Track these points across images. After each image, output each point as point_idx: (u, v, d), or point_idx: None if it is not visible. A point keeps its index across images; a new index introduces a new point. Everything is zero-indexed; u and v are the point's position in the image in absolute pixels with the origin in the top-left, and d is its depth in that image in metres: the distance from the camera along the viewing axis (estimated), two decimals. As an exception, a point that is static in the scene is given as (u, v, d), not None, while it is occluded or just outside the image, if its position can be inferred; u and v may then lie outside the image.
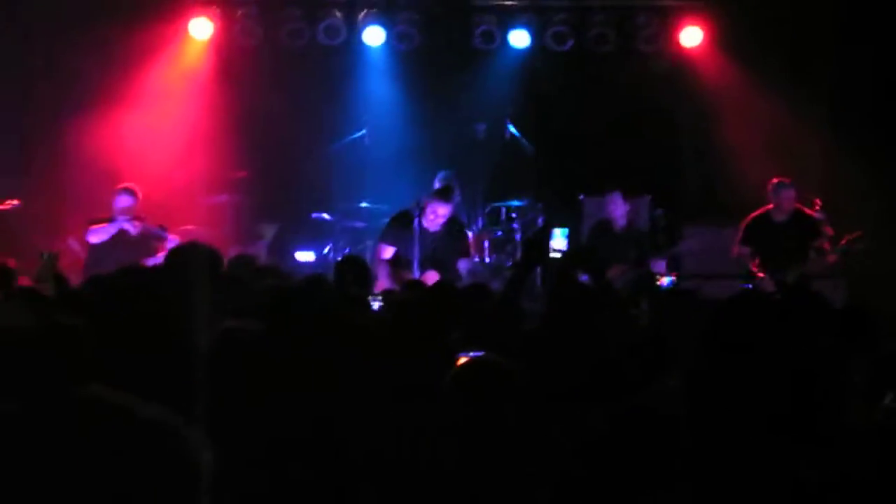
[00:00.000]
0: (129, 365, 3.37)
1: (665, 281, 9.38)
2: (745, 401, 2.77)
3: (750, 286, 8.96)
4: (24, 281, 6.58)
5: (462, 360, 3.19)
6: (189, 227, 10.46)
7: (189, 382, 3.01)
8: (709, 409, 2.72)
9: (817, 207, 9.49)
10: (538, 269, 9.23)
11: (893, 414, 2.87)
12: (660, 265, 9.68)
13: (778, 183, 9.43)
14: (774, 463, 2.53)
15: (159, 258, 9.23)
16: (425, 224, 9.06)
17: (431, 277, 8.68)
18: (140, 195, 9.58)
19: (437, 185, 10.20)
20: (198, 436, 1.69)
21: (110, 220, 9.44)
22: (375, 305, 6.31)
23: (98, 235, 9.38)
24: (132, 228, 9.39)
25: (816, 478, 2.52)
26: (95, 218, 9.50)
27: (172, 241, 9.34)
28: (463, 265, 9.23)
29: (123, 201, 9.47)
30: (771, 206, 9.45)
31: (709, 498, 2.60)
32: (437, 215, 9.05)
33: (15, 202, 9.99)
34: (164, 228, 9.51)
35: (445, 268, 8.95)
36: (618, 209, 9.86)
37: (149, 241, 9.43)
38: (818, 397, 2.92)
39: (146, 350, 3.57)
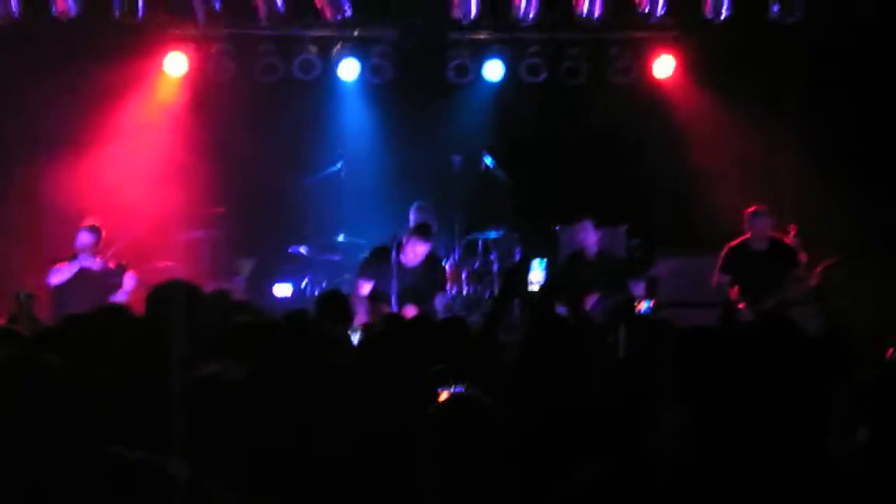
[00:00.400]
0: (109, 402, 3.36)
1: (643, 306, 9.40)
2: (721, 435, 2.78)
3: (728, 315, 9.01)
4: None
5: (443, 395, 3.19)
6: (166, 263, 10.43)
7: (166, 422, 3.01)
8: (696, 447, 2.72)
9: (792, 234, 9.57)
10: (516, 301, 9.26)
11: (865, 450, 2.89)
12: (638, 287, 9.67)
13: (754, 212, 9.50)
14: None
15: (121, 295, 9.20)
16: (403, 259, 9.09)
17: (410, 311, 8.70)
18: (102, 232, 9.48)
19: (412, 214, 10.22)
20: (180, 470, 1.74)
21: (71, 258, 9.35)
22: (355, 339, 6.31)
23: (59, 276, 9.25)
24: (93, 265, 9.28)
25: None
26: (57, 257, 9.40)
27: (131, 278, 9.30)
28: (438, 300, 9.25)
29: (85, 238, 9.36)
30: (748, 234, 9.51)
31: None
32: (416, 254, 9.09)
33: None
34: (123, 267, 9.42)
35: (423, 301, 8.97)
36: (588, 237, 9.84)
37: (109, 278, 9.34)
38: (797, 428, 2.94)
39: (125, 388, 3.57)
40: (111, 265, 9.42)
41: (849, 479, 2.40)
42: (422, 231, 9.22)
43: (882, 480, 2.84)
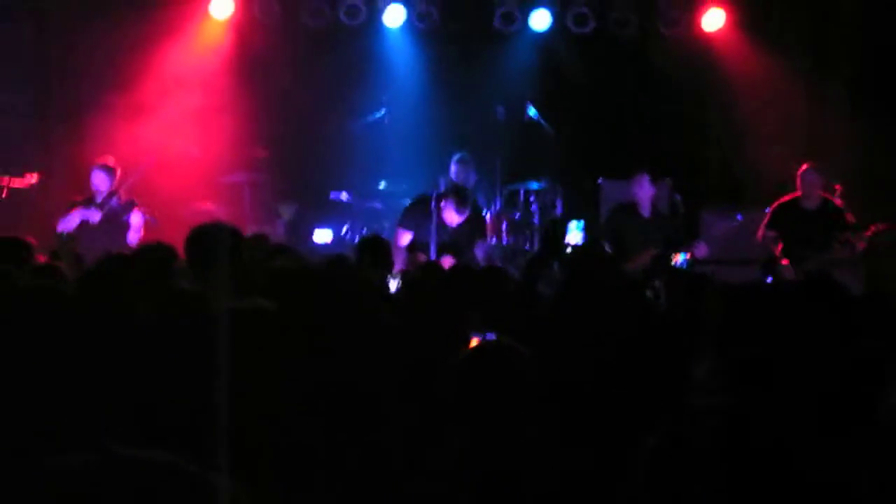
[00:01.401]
0: (152, 342, 3.37)
1: (679, 259, 9.29)
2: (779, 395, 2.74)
3: (770, 279, 8.89)
4: (42, 258, 6.59)
5: (475, 342, 3.18)
6: (207, 205, 10.48)
7: (210, 360, 3.02)
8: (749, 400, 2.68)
9: (837, 193, 9.44)
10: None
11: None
12: (700, 249, 9.49)
13: (806, 169, 9.35)
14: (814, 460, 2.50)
15: (133, 234, 9.12)
16: (443, 216, 9.06)
17: (447, 262, 8.68)
18: (117, 170, 9.32)
19: (453, 167, 10.16)
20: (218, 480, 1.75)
21: (87, 200, 9.25)
22: (393, 286, 6.31)
23: (64, 224, 9.10)
24: (92, 217, 9.09)
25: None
26: (74, 201, 9.29)
27: (138, 215, 9.18)
28: (479, 249, 9.23)
29: (97, 178, 9.22)
30: (799, 192, 9.37)
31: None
32: (452, 218, 9.03)
33: (34, 178, 10.00)
34: (131, 204, 9.23)
35: (462, 254, 8.94)
36: (644, 192, 9.68)
37: (119, 217, 9.19)
38: (845, 389, 2.90)
39: (168, 326, 3.58)
40: (121, 201, 9.24)
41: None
42: (459, 200, 9.03)
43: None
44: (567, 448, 3.11)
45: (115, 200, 9.23)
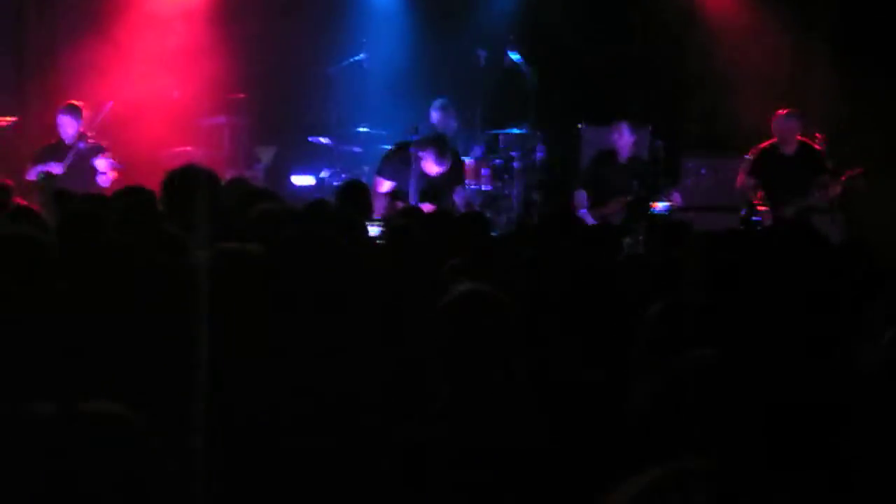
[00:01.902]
0: (135, 282, 3.36)
1: (659, 206, 9.33)
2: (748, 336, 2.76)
3: (758, 218, 8.94)
4: (20, 200, 6.55)
5: (455, 288, 3.17)
6: (186, 148, 10.41)
7: (189, 304, 3.02)
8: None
9: (818, 142, 9.44)
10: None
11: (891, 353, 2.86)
12: (676, 196, 9.55)
13: (784, 114, 9.36)
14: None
15: (103, 179, 9.04)
16: (422, 165, 9.01)
17: (427, 209, 8.66)
18: (83, 110, 9.26)
19: (433, 112, 10.10)
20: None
21: (53, 147, 9.16)
22: (373, 231, 6.30)
23: (30, 175, 9.05)
24: (53, 170, 8.99)
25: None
26: (44, 147, 9.22)
27: (104, 161, 9.08)
28: (458, 195, 9.21)
29: (65, 122, 9.16)
30: (776, 138, 9.38)
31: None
32: (432, 169, 8.98)
33: (12, 119, 9.91)
34: (97, 148, 9.16)
35: (442, 201, 8.92)
36: (623, 140, 9.73)
37: (87, 162, 9.10)
38: (823, 334, 2.92)
39: (148, 268, 3.56)
40: (87, 144, 9.15)
41: (877, 384, 2.38)
42: (439, 151, 8.96)
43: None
44: (545, 395, 3.13)
45: (82, 143, 9.17)
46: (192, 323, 2.86)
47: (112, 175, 9.08)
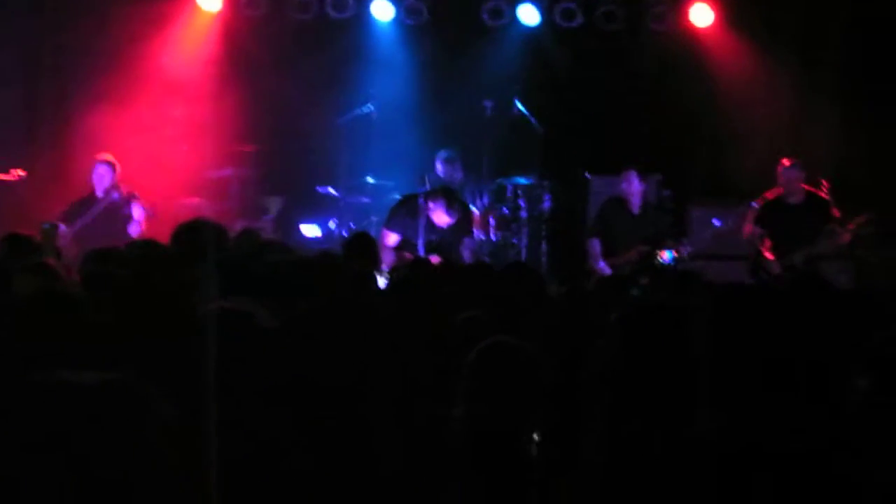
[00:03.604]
0: (138, 340, 3.37)
1: (665, 256, 9.31)
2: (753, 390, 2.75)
3: (761, 272, 8.92)
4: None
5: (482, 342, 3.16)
6: (195, 200, 10.46)
7: (193, 358, 3.02)
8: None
9: (824, 189, 9.45)
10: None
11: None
12: (685, 249, 9.50)
13: (787, 165, 9.38)
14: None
15: (135, 227, 9.28)
16: (431, 215, 9.04)
17: (435, 261, 8.68)
18: (116, 165, 9.58)
19: (438, 165, 10.16)
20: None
21: (88, 197, 9.44)
22: (382, 283, 6.31)
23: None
24: (88, 219, 9.30)
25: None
26: (76, 200, 9.50)
27: (138, 208, 9.34)
28: (466, 247, 9.22)
29: (101, 172, 9.51)
30: (781, 189, 9.39)
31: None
32: (441, 220, 9.03)
33: (21, 173, 9.99)
34: (131, 196, 9.46)
35: (450, 252, 8.93)
36: (633, 188, 9.72)
37: (121, 210, 9.40)
38: (825, 386, 2.91)
39: (153, 325, 3.58)
40: (122, 194, 9.47)
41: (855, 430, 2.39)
42: (449, 202, 9.02)
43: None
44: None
45: (115, 194, 9.46)
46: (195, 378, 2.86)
47: (143, 225, 9.29)
